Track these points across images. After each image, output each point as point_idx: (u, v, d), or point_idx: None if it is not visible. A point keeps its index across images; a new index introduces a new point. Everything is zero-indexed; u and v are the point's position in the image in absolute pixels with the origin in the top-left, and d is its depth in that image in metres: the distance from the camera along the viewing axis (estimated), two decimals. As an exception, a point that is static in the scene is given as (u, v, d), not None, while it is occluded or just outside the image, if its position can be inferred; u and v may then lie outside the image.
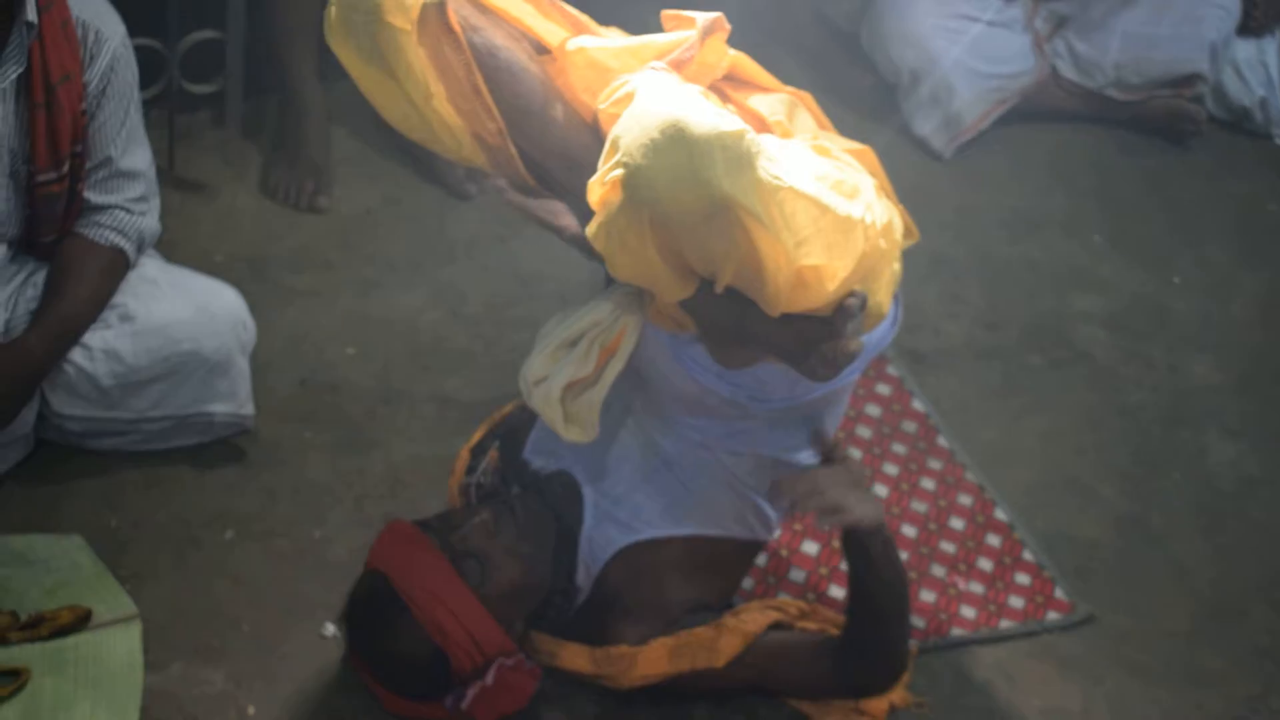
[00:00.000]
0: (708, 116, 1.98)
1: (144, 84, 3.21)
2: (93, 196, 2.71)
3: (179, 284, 2.81)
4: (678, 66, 2.25)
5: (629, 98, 2.12)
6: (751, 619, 2.52)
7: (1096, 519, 3.10)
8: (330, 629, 2.58)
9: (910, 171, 3.97)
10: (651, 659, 2.47)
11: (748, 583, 2.80)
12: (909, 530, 2.98)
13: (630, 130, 2.01)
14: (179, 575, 2.66)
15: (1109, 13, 4.19)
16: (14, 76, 2.51)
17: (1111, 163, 4.20)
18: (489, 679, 2.38)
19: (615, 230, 2.08)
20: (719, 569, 2.56)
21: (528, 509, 2.48)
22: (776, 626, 2.55)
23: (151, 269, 2.82)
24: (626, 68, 2.23)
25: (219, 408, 2.82)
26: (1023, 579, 2.92)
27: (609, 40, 2.28)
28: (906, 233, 2.48)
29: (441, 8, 2.10)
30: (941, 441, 3.18)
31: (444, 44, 2.12)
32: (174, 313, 2.76)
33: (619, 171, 2.00)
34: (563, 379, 2.37)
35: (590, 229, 2.10)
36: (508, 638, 2.39)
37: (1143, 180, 4.16)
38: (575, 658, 2.52)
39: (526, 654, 2.46)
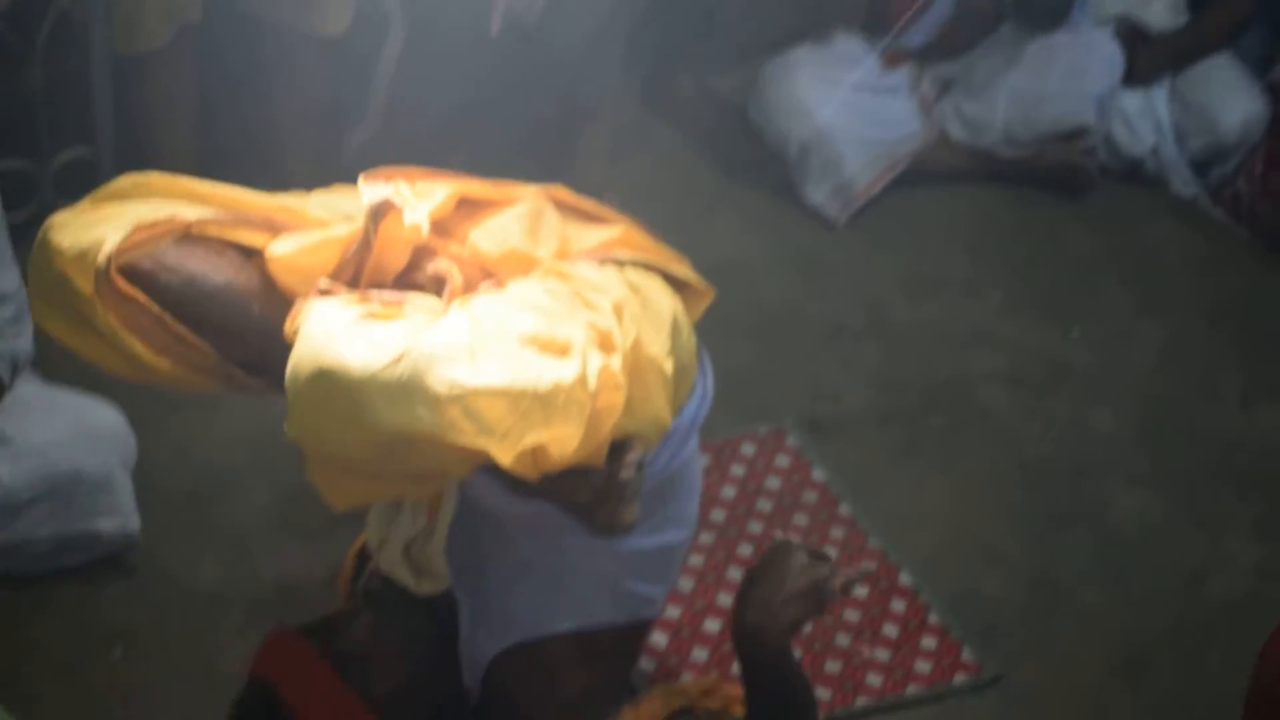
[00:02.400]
0: (357, 353, 1.92)
1: (15, 206, 3.19)
2: None
3: (55, 403, 2.78)
4: (358, 263, 2.16)
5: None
6: (650, 713, 2.49)
7: (1003, 577, 3.09)
8: (223, 743, 2.54)
9: (804, 241, 3.99)
10: None
11: (649, 664, 2.77)
12: (813, 601, 2.96)
13: (290, 383, 1.97)
14: (68, 697, 2.62)
15: (994, 73, 4.22)
16: None
17: (1007, 220, 4.20)
18: (381, 782, 2.34)
19: (318, 473, 2.07)
20: (607, 657, 2.51)
21: (411, 609, 2.44)
22: (679, 712, 2.52)
23: (26, 390, 2.77)
24: (319, 264, 2.15)
25: (104, 524, 2.78)
26: (929, 642, 2.90)
27: (301, 238, 2.17)
28: (695, 295, 2.39)
29: (106, 275, 2.02)
30: (844, 510, 3.17)
31: (127, 307, 2.06)
32: (51, 434, 2.72)
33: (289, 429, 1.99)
34: (400, 540, 2.37)
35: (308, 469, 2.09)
36: (398, 740, 2.35)
37: (1039, 236, 4.16)
38: (472, 759, 2.48)
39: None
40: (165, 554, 2.87)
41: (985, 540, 3.16)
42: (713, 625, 2.87)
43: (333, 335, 1.96)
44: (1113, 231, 4.22)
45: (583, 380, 1.97)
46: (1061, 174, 4.29)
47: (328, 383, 1.93)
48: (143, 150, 3.43)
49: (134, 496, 2.81)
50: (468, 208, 2.31)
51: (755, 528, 3.10)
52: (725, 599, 2.92)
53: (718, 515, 3.12)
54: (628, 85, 4.15)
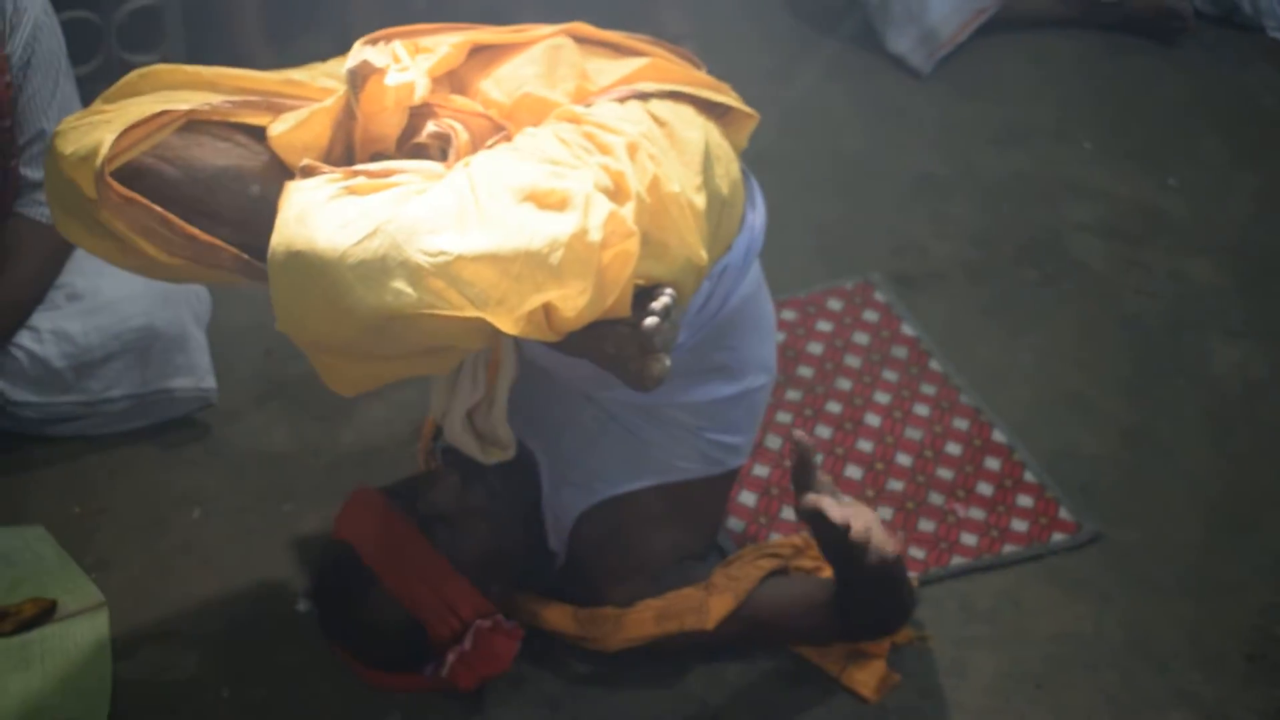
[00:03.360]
0: (327, 233, 1.82)
1: (82, 57, 3.13)
2: (29, 172, 2.61)
3: (127, 259, 2.71)
4: (347, 134, 2.07)
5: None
6: (743, 574, 2.43)
7: (1100, 434, 2.98)
8: (303, 605, 2.50)
9: (889, 91, 3.87)
10: (637, 622, 2.39)
11: (737, 524, 2.70)
12: (904, 459, 2.87)
13: (269, 273, 1.88)
14: (146, 559, 2.58)
15: (1085, -88, 4.06)
16: None
17: (1099, 67, 4.06)
18: (467, 643, 2.30)
19: (318, 361, 1.98)
20: (693, 512, 2.46)
21: (496, 470, 2.38)
22: (774, 573, 2.46)
23: (97, 245, 2.71)
24: (314, 138, 2.05)
25: (179, 383, 2.73)
26: (1025, 501, 2.81)
27: (297, 114, 2.07)
28: (738, 120, 2.27)
29: (101, 177, 1.94)
30: (934, 366, 3.07)
31: (132, 209, 1.97)
32: (123, 288, 2.67)
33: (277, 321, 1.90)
34: (461, 409, 2.29)
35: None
36: (484, 599, 2.31)
37: (1132, 82, 4.02)
38: (559, 619, 2.44)
39: (509, 616, 2.37)
40: (241, 414, 2.82)
41: (1081, 396, 3.06)
42: (802, 484, 2.79)
43: (304, 217, 1.87)
44: (1207, 78, 4.08)
45: (583, 233, 1.86)
46: (1154, 18, 4.14)
47: (300, 267, 1.84)
48: (207, 2, 3.34)
49: (209, 355, 2.74)
50: (484, 55, 2.20)
51: (844, 384, 3.01)
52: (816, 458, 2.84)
53: (805, 371, 3.03)
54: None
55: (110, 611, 2.46)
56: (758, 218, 2.28)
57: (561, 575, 2.47)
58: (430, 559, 2.28)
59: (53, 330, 2.64)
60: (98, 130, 1.98)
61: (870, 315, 3.17)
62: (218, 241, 2.01)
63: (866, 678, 2.46)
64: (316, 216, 1.86)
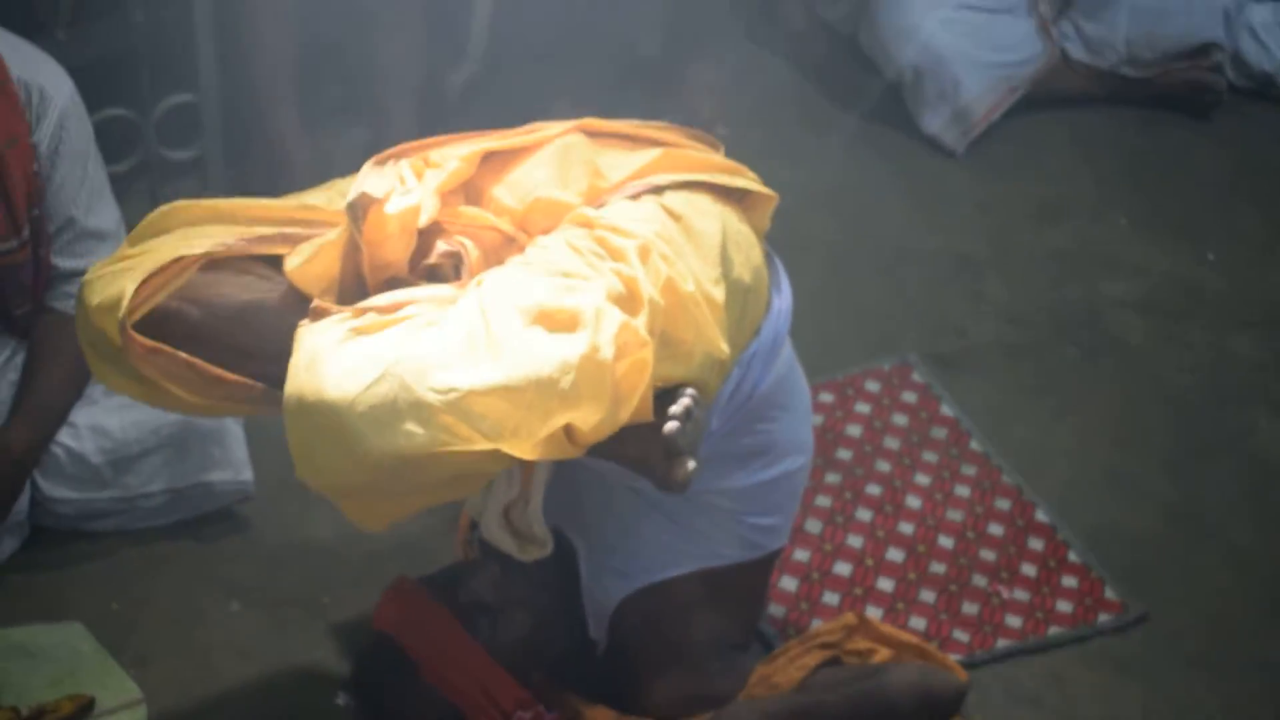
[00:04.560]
0: (334, 380, 1.83)
1: (121, 154, 3.17)
2: (60, 262, 2.62)
3: (164, 353, 2.72)
4: (355, 265, 2.07)
5: None
6: (792, 664, 2.41)
7: (1144, 512, 2.95)
8: (343, 697, 2.47)
9: (923, 170, 3.88)
10: None
11: (778, 609, 2.68)
12: (946, 541, 2.85)
13: (284, 418, 1.89)
14: (185, 654, 2.56)
15: (1114, -11, 4.08)
16: None
17: (1132, 142, 4.06)
18: (508, 734, 2.28)
19: (343, 502, 1.97)
20: (734, 598, 2.43)
21: (535, 561, 2.36)
22: (827, 662, 2.44)
23: (134, 340, 2.73)
24: (326, 270, 2.07)
25: (216, 476, 2.72)
26: (1069, 581, 2.78)
27: (308, 247, 2.10)
28: (758, 202, 2.24)
29: (124, 329, 1.99)
30: (975, 446, 3.04)
31: (155, 357, 2.02)
32: (161, 384, 2.67)
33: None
34: (497, 507, 2.27)
35: None
36: (525, 690, 2.29)
37: (1167, 157, 4.02)
38: (602, 721, 2.41)
39: (550, 708, 2.35)
40: (279, 507, 2.81)
41: (1124, 474, 3.03)
42: (843, 568, 2.77)
43: (313, 365, 1.87)
44: (1243, 151, 4.08)
45: (594, 351, 1.84)
46: (1188, 93, 4.14)
47: (311, 417, 1.84)
48: (242, 96, 3.37)
49: (246, 447, 2.74)
50: (497, 161, 2.20)
51: (883, 466, 2.99)
52: (855, 541, 2.82)
53: (843, 454, 3.01)
54: (735, 15, 4.03)
55: (149, 707, 2.44)
56: (784, 300, 2.27)
57: (603, 664, 2.45)
58: (471, 649, 2.26)
59: (90, 426, 2.64)
60: (120, 280, 2.02)
61: (909, 396, 3.15)
62: (244, 380, 2.04)
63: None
64: (325, 363, 1.86)
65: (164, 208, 2.16)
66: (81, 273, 2.60)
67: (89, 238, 2.63)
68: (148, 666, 2.53)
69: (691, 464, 1.92)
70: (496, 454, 1.83)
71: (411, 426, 1.80)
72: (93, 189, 2.63)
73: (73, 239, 2.62)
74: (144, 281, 2.00)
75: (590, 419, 1.85)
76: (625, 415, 1.89)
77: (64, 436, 2.63)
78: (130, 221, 2.80)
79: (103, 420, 2.64)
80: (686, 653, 2.39)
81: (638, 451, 1.94)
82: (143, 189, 3.25)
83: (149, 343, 2.00)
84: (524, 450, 1.83)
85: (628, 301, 1.92)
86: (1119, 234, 3.72)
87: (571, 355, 1.83)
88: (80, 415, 2.64)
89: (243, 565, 2.71)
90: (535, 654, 2.33)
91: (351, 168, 2.24)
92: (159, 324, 2.01)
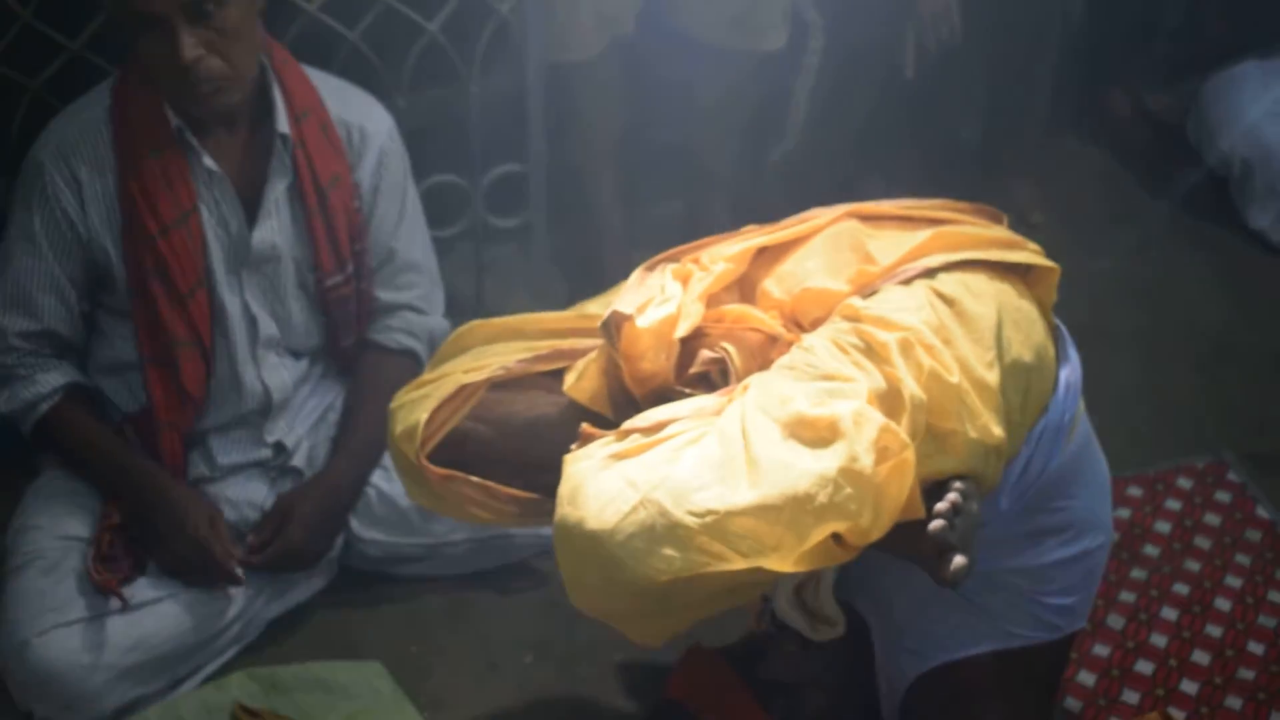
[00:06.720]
0: (593, 510, 1.85)
1: (449, 219, 3.30)
2: (382, 294, 2.76)
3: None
4: (618, 382, 2.10)
5: None
6: None
7: None
8: (628, 756, 2.50)
9: (1248, 266, 3.75)
10: None
11: (1075, 703, 2.60)
12: (1256, 647, 2.73)
13: (554, 546, 1.94)
14: (478, 701, 2.62)
15: None
16: (283, 188, 2.57)
17: None
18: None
19: (620, 623, 2.01)
20: (1028, 682, 2.36)
21: (830, 641, 2.34)
22: None
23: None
24: (596, 388, 2.14)
25: (518, 529, 2.78)
26: (1390, 700, 2.63)
27: (579, 366, 2.17)
28: (1042, 275, 2.18)
29: (419, 460, 2.14)
30: (1291, 551, 2.92)
31: (450, 483, 2.16)
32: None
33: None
34: (789, 586, 2.27)
35: None
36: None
37: None
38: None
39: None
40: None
41: None
42: (1145, 667, 2.67)
43: (575, 495, 1.90)
44: None
45: (852, 461, 1.83)
46: None
47: (576, 546, 1.88)
48: (568, 166, 3.46)
49: (549, 503, 2.80)
50: (769, 254, 2.20)
51: (1192, 566, 2.89)
52: (1159, 639, 2.73)
53: (1151, 550, 2.92)
54: (1059, 104, 3.98)
55: (440, 750, 2.51)
56: (1073, 373, 2.20)
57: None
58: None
59: (401, 469, 2.73)
60: (416, 410, 2.17)
61: (1222, 496, 3.04)
62: (537, 496, 2.13)
63: None
64: (586, 492, 1.89)
65: (461, 328, 2.31)
66: (398, 308, 2.74)
67: (409, 270, 2.75)
68: (442, 710, 2.59)
69: (962, 559, 1.88)
70: (760, 570, 1.83)
71: (670, 551, 1.82)
72: (410, 222, 2.75)
73: (393, 272, 2.74)
74: (437, 408, 2.14)
75: (854, 528, 1.85)
76: (890, 519, 1.87)
77: (377, 477, 2.73)
78: (451, 284, 2.92)
79: (415, 462, 2.73)
80: (980, 737, 2.34)
81: (909, 548, 1.93)
82: (468, 253, 3.35)
83: (443, 471, 2.15)
84: (786, 564, 1.83)
85: (890, 398, 1.91)
86: None
87: (829, 469, 1.83)
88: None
89: (538, 619, 2.76)
90: (828, 734, 2.32)
91: (664, 242, 2.28)
92: (458, 444, 2.15)
